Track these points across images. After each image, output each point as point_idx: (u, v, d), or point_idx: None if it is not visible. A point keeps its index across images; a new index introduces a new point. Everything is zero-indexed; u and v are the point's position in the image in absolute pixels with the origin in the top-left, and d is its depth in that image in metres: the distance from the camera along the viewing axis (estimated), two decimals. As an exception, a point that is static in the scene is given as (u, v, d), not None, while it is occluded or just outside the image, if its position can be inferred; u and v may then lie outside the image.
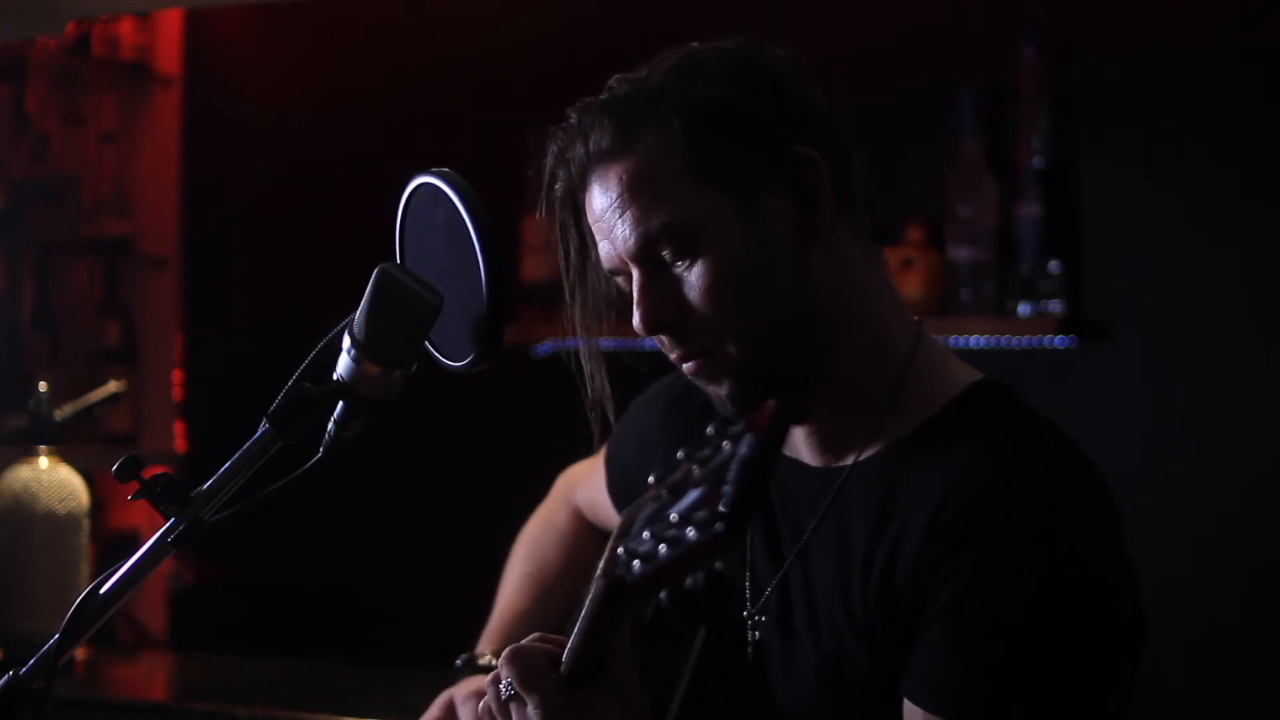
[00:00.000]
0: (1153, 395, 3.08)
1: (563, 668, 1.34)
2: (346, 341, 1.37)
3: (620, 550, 1.22)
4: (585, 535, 1.94)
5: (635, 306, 1.50)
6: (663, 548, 1.15)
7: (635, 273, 1.50)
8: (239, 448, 1.37)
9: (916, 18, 3.21)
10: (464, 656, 1.82)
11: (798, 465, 1.57)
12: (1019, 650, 1.40)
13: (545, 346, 3.37)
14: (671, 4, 3.23)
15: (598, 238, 1.53)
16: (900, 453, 1.50)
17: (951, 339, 3.04)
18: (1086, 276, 3.07)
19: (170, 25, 3.79)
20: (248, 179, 3.80)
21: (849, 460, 1.54)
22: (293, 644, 3.42)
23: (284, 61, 3.78)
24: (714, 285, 1.47)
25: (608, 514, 1.87)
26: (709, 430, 1.18)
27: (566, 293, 1.59)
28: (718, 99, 1.48)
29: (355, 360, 1.37)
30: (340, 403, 1.38)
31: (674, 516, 1.15)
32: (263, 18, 3.75)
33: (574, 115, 1.52)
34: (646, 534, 1.18)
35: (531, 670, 1.35)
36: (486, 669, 1.78)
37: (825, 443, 1.56)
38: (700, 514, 1.12)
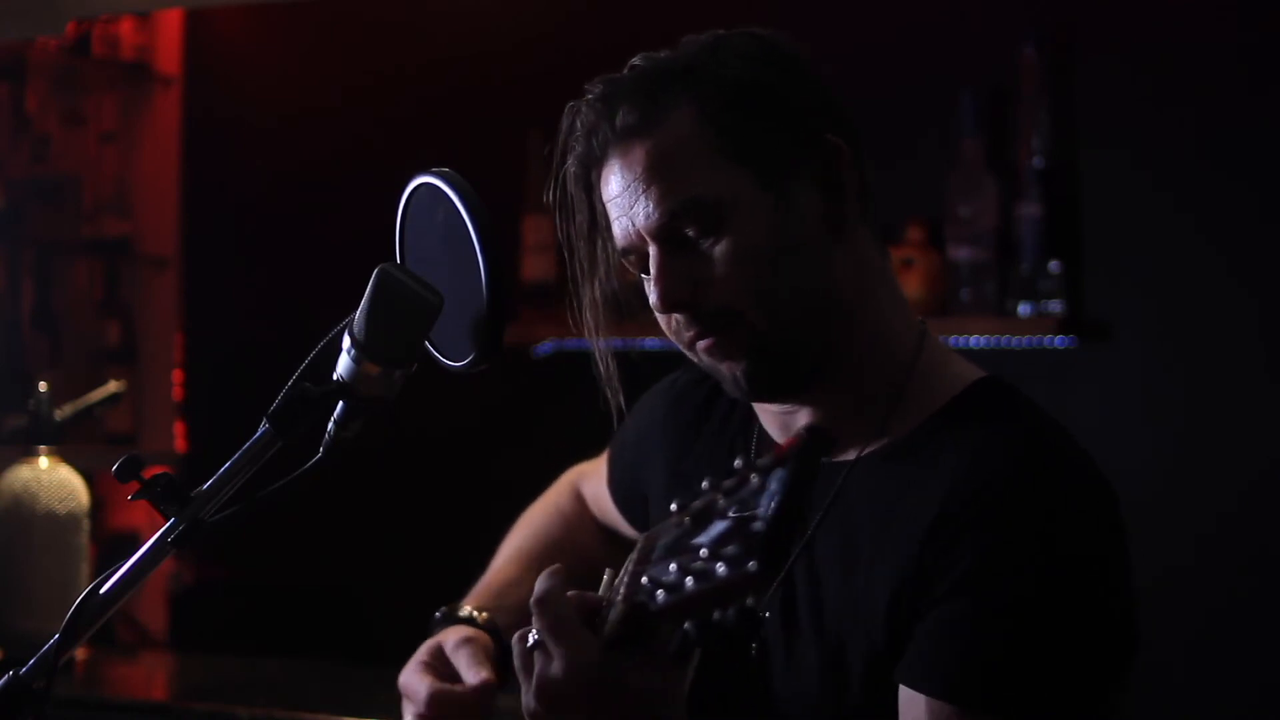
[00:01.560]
0: (1153, 395, 3.08)
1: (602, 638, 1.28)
2: (346, 341, 1.37)
3: (643, 578, 1.19)
4: (588, 521, 1.93)
5: (653, 284, 1.48)
6: (689, 580, 1.12)
7: (654, 250, 1.49)
8: (239, 448, 1.37)
9: (916, 18, 3.20)
10: (443, 609, 1.79)
11: None
12: (1015, 638, 1.40)
13: (545, 346, 3.37)
14: (671, 4, 3.23)
15: (613, 215, 1.51)
16: (903, 449, 1.51)
17: (951, 339, 3.04)
18: (1086, 276, 3.07)
19: (170, 25, 3.79)
20: (248, 179, 3.80)
21: (852, 455, 1.53)
22: (293, 644, 3.42)
23: (284, 61, 3.79)
24: (739, 262, 1.46)
25: (610, 509, 1.87)
26: (736, 463, 1.15)
27: (574, 273, 1.57)
28: (752, 79, 1.48)
29: (355, 360, 1.37)
30: (340, 403, 1.38)
31: (702, 551, 1.12)
32: (263, 18, 3.75)
33: (597, 89, 1.51)
34: (672, 565, 1.15)
35: (563, 621, 1.29)
36: (467, 620, 1.76)
37: None
38: (730, 549, 1.09)
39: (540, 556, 1.88)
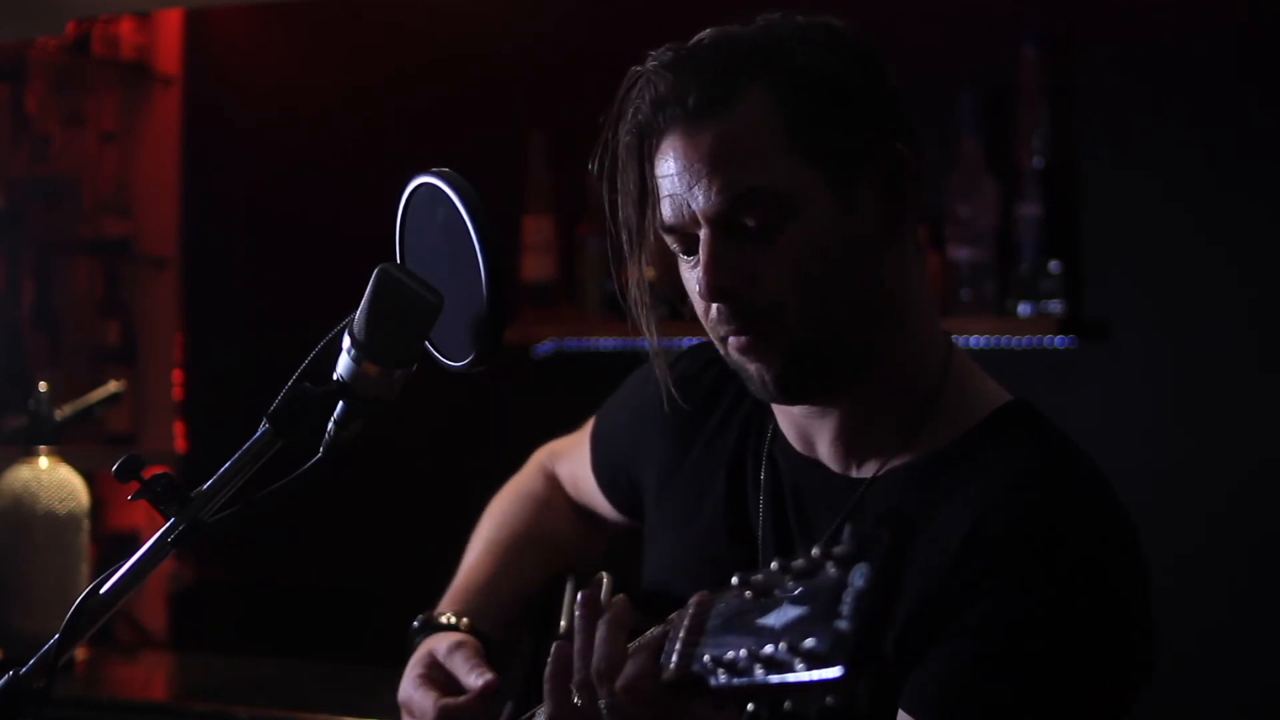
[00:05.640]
0: (1153, 395, 3.08)
1: None
2: (346, 341, 1.37)
3: (703, 654, 1.13)
4: (560, 504, 1.90)
5: (701, 271, 1.44)
6: (759, 669, 1.07)
7: (706, 235, 1.44)
8: (239, 448, 1.37)
9: (916, 18, 3.21)
10: (421, 617, 1.77)
11: (818, 468, 1.54)
12: (1023, 683, 1.37)
13: (545, 346, 3.37)
14: (671, 4, 3.23)
15: (667, 191, 1.46)
16: (926, 471, 1.47)
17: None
18: (1086, 276, 3.08)
19: (170, 25, 3.79)
20: (248, 179, 3.80)
21: (871, 471, 1.51)
22: (293, 644, 3.42)
23: (284, 61, 3.79)
24: (797, 259, 1.43)
25: (590, 490, 1.84)
26: (814, 551, 1.07)
27: (620, 244, 1.51)
28: (831, 73, 1.45)
29: (355, 360, 1.36)
30: (340, 403, 1.38)
31: (776, 639, 1.06)
32: (263, 18, 3.75)
33: (666, 57, 1.46)
34: (739, 646, 1.09)
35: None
36: (449, 627, 1.75)
37: (850, 450, 1.52)
38: (810, 644, 1.03)
39: (511, 548, 1.87)
